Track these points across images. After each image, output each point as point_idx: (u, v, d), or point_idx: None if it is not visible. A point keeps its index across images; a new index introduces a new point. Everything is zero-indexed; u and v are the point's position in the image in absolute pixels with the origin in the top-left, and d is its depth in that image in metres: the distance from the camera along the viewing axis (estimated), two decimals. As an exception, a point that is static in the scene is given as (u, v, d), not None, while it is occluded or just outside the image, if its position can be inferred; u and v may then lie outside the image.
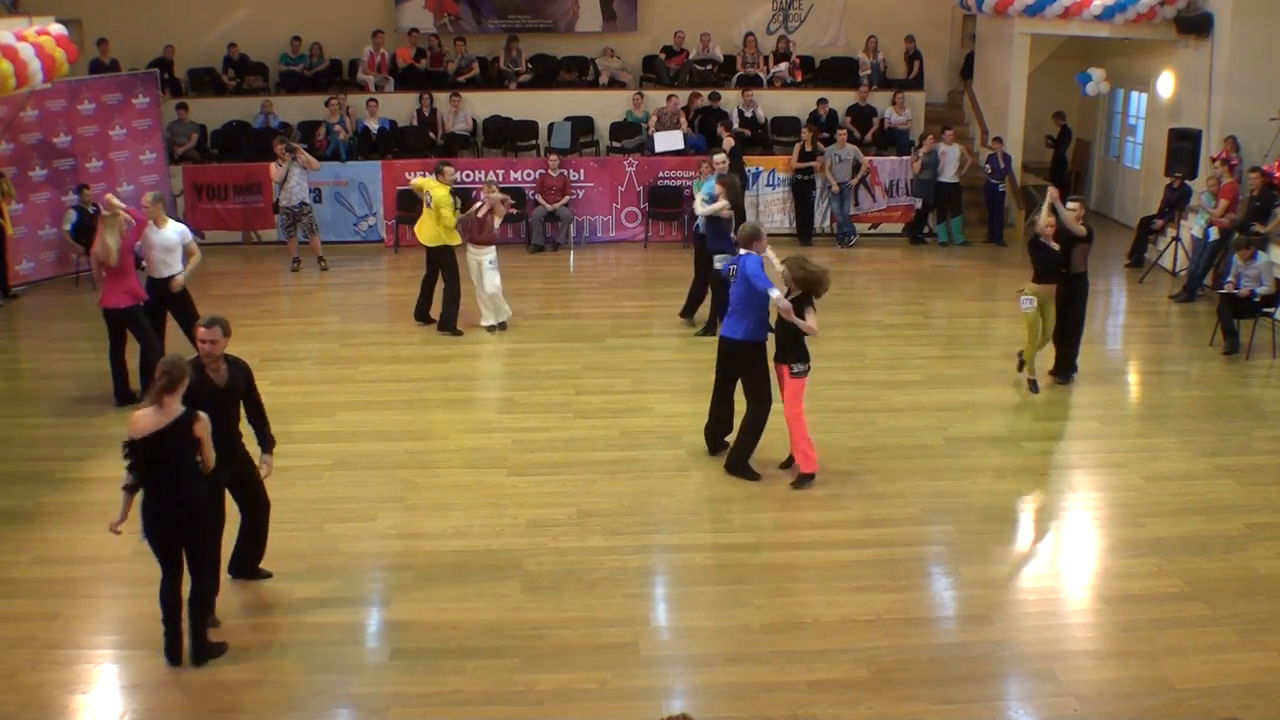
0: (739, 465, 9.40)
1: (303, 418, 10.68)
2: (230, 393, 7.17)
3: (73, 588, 7.69)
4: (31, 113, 15.37)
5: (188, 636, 6.82)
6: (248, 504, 7.58)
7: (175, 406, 6.53)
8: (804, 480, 9.23)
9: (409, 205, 16.09)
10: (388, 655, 7.01)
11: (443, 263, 13.09)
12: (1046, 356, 11.52)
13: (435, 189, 12.87)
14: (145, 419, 6.50)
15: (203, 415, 6.59)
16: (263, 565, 7.82)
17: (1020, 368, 11.48)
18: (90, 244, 13.85)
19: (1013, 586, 7.88)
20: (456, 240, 13.09)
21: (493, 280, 13.05)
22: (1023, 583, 7.96)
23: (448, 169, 13.26)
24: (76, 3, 16.79)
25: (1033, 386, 11.26)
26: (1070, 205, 11.22)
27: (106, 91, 16.38)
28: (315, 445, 10.06)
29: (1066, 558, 8.38)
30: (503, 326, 13.20)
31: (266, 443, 7.52)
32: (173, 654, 6.82)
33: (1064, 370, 11.62)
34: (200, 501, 6.69)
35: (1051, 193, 11.30)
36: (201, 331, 7.09)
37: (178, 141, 17.54)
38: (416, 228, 13.28)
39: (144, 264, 11.14)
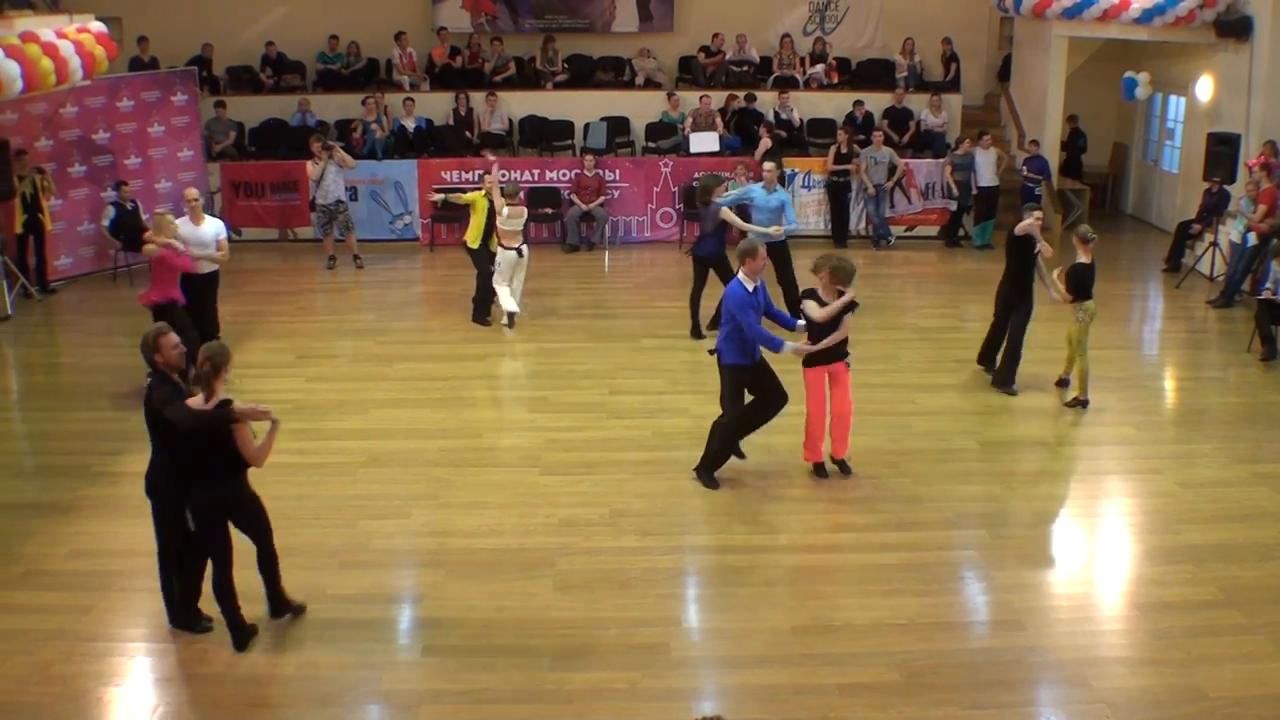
0: (702, 471, 9.37)
1: (337, 414, 10.76)
2: None
3: (108, 581, 7.76)
4: (71, 109, 15.54)
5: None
6: None
7: (220, 392, 6.63)
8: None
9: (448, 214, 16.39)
10: (419, 652, 7.04)
11: (476, 261, 13.46)
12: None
13: (477, 197, 13.38)
14: (196, 403, 6.61)
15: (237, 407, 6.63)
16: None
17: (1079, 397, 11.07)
18: (128, 240, 14.06)
19: (1046, 592, 7.83)
20: (477, 244, 13.40)
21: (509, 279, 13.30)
22: (1056, 588, 7.91)
23: (488, 178, 13.50)
24: (116, 0, 16.95)
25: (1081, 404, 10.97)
26: (1035, 214, 11.03)
27: (145, 89, 16.54)
28: (349, 442, 10.12)
29: (1100, 564, 8.31)
30: (510, 321, 13.28)
31: None
32: (239, 642, 7.00)
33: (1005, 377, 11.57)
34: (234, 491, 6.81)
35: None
36: (168, 339, 6.88)
37: (215, 139, 17.68)
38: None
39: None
